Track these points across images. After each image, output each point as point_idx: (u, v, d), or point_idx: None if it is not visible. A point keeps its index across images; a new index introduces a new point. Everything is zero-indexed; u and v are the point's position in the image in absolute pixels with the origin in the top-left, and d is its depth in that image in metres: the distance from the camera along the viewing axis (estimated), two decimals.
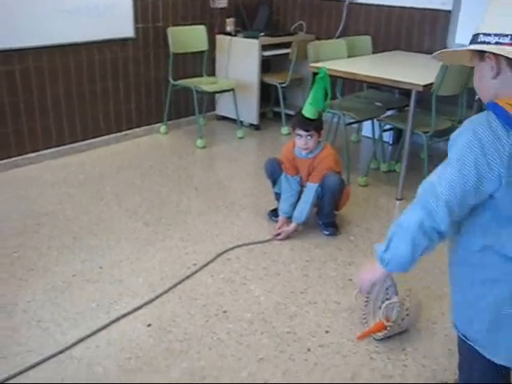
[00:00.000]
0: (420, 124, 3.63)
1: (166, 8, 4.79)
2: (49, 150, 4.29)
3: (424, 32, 4.73)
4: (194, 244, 3.09)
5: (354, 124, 4.34)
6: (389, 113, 4.30)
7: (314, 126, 3.07)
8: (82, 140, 4.52)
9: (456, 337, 1.50)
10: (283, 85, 5.08)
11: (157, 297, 2.59)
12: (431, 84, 3.43)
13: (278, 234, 3.17)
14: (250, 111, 5.19)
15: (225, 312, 2.50)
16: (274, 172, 3.30)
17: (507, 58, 1.24)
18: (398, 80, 3.54)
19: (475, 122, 1.27)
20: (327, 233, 3.24)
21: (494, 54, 1.25)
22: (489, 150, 1.23)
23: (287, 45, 5.06)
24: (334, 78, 3.86)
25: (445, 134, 3.72)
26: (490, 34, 1.26)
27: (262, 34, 5.10)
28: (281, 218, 3.24)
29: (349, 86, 4.84)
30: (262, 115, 5.40)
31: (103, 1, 4.27)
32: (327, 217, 3.24)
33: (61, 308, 2.49)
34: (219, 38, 5.21)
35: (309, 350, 2.28)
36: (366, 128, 4.91)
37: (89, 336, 2.31)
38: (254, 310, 2.52)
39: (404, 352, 2.28)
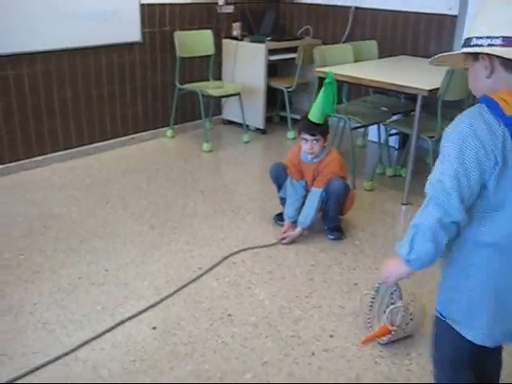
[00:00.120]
0: (426, 129, 3.63)
1: (172, 12, 4.82)
2: (56, 154, 4.32)
3: (430, 37, 4.73)
4: (199, 247, 3.10)
5: (359, 128, 4.35)
6: (395, 117, 4.30)
7: (320, 130, 3.07)
8: (89, 143, 4.54)
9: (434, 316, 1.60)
10: (289, 89, 5.09)
11: (162, 300, 2.60)
12: (437, 89, 3.43)
13: (284, 238, 3.18)
14: (256, 115, 5.21)
15: (229, 315, 2.51)
16: (279, 177, 3.30)
17: (500, 57, 1.32)
18: (403, 85, 3.54)
19: (469, 115, 1.34)
20: (332, 237, 3.24)
21: (487, 54, 1.33)
22: (485, 139, 1.30)
23: (293, 49, 5.07)
24: (340, 83, 3.86)
25: None
26: (482, 37, 1.34)
27: (269, 38, 5.12)
28: (286, 222, 3.24)
29: (355, 91, 4.85)
30: (268, 119, 5.41)
31: (111, 6, 4.30)
32: (332, 221, 3.25)
33: (66, 310, 2.50)
34: (226, 42, 5.24)
35: (313, 354, 2.28)
36: (372, 133, 4.91)
37: (94, 338, 2.32)
38: (259, 314, 2.53)
39: (408, 357, 2.28)
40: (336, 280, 2.83)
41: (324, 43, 5.25)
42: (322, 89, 3.04)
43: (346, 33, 5.24)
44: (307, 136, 3.09)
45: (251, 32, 5.33)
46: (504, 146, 1.30)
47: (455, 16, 4.52)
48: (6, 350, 2.23)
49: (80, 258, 2.95)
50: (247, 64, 5.11)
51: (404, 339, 2.36)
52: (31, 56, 3.97)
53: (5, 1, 3.72)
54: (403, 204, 3.73)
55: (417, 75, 3.92)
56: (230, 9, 5.24)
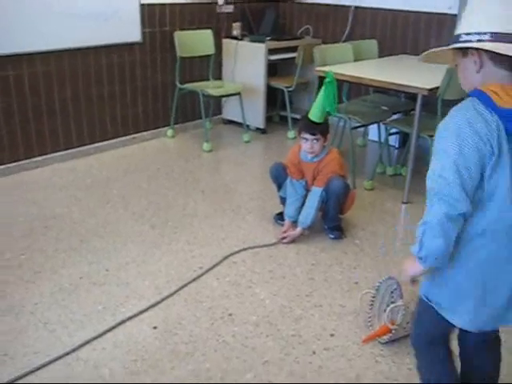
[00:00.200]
0: (426, 128, 3.64)
1: (172, 12, 4.83)
2: (56, 154, 4.33)
3: (430, 36, 4.74)
4: (200, 247, 3.11)
5: (360, 128, 4.35)
6: (395, 117, 4.31)
7: (320, 129, 3.08)
8: (90, 143, 4.55)
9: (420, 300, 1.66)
10: (289, 89, 5.10)
11: (163, 299, 2.61)
12: (437, 88, 3.43)
13: (284, 238, 3.18)
14: (256, 115, 5.21)
15: (230, 315, 2.51)
16: (279, 176, 3.31)
17: (488, 52, 1.36)
18: (403, 84, 3.54)
19: (462, 108, 1.39)
20: (332, 236, 3.25)
21: (476, 49, 1.38)
22: (480, 130, 1.33)
23: (293, 49, 5.07)
24: (340, 82, 3.86)
25: None
26: (471, 33, 1.38)
27: (269, 38, 5.12)
28: (287, 222, 3.25)
29: (355, 90, 4.85)
30: (269, 119, 5.42)
31: (111, 6, 4.31)
32: (332, 221, 3.25)
33: (67, 310, 2.51)
34: (226, 42, 5.24)
35: (314, 352, 2.28)
36: (372, 132, 4.92)
37: (95, 338, 2.33)
38: (260, 313, 2.53)
39: (409, 356, 2.28)
40: (336, 279, 2.83)
41: (324, 42, 5.25)
42: (322, 88, 3.04)
43: (346, 32, 5.24)
44: (307, 135, 3.10)
45: (251, 32, 5.34)
46: (499, 137, 1.33)
47: (455, 15, 4.52)
48: (7, 349, 2.24)
49: (81, 258, 2.95)
50: (247, 64, 5.11)
51: (404, 338, 2.35)
52: (31, 56, 3.98)
53: (5, 1, 3.73)
54: (403, 203, 3.73)
55: (417, 74, 3.92)
56: (229, 8, 5.24)
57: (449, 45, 1.46)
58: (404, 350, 2.31)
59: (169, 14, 4.80)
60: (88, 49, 4.31)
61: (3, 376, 2.10)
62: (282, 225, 3.28)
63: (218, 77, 5.32)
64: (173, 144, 4.97)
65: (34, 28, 3.91)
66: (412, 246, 1.48)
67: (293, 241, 3.19)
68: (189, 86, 4.89)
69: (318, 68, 3.98)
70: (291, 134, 5.15)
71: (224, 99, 5.41)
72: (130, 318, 2.47)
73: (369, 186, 3.98)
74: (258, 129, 5.31)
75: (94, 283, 2.73)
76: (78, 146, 4.47)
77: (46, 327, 2.39)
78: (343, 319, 2.50)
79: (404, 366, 2.22)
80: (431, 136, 3.63)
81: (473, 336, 1.68)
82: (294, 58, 5.07)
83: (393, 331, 2.28)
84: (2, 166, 4.02)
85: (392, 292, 2.32)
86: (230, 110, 5.43)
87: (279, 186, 3.35)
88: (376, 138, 4.70)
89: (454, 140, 1.35)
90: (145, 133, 4.96)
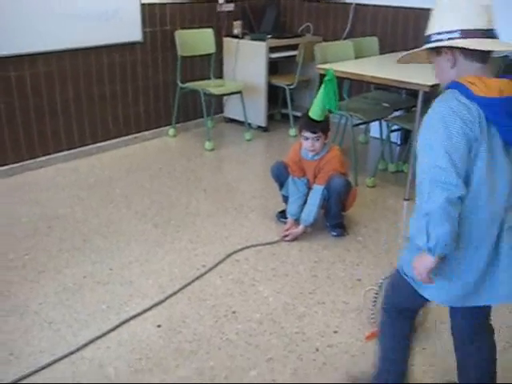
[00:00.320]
0: None
1: (173, 12, 4.83)
2: (59, 154, 4.34)
3: None
4: (202, 245, 3.12)
5: (361, 125, 4.35)
6: (396, 113, 4.31)
7: (320, 127, 3.08)
8: (92, 143, 4.56)
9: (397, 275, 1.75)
10: (291, 86, 5.10)
11: (166, 298, 2.62)
12: (438, 84, 3.43)
13: (286, 236, 3.19)
14: (257, 113, 5.22)
15: (234, 313, 2.52)
16: (281, 175, 3.31)
17: (460, 48, 1.46)
18: (405, 81, 3.54)
19: (444, 100, 1.46)
20: (335, 234, 3.25)
21: (448, 47, 1.48)
22: (464, 116, 1.41)
23: (294, 47, 5.08)
24: (341, 80, 3.87)
25: None
26: (441, 33, 1.48)
27: (269, 36, 5.12)
28: (289, 220, 3.25)
29: (356, 87, 4.85)
30: (270, 117, 5.42)
31: (112, 6, 4.31)
32: (334, 218, 3.26)
33: (72, 309, 2.52)
34: (226, 40, 5.24)
35: (317, 349, 2.29)
36: (374, 129, 4.92)
37: (99, 337, 2.34)
38: (263, 311, 2.54)
39: (413, 351, 2.28)
40: (339, 276, 2.84)
41: (325, 40, 5.25)
42: (322, 86, 3.05)
43: (347, 29, 5.25)
44: (308, 134, 3.10)
45: (252, 30, 5.34)
46: (480, 123, 1.42)
47: None
48: (12, 349, 2.25)
49: (84, 258, 2.96)
50: (248, 62, 5.12)
51: None
52: (33, 57, 3.99)
53: (6, 2, 3.74)
54: (405, 200, 3.73)
55: (418, 71, 3.91)
56: (230, 7, 5.24)
57: (425, 44, 1.54)
58: None
59: (169, 13, 4.81)
60: (89, 49, 4.32)
61: (9, 375, 2.11)
62: (285, 223, 3.29)
63: (219, 75, 5.32)
64: (175, 143, 4.98)
65: (35, 29, 3.91)
66: (417, 240, 1.50)
67: (295, 239, 3.19)
68: (190, 85, 4.90)
69: (318, 66, 3.99)
70: (293, 131, 5.15)
71: (225, 98, 5.42)
72: (134, 316, 2.48)
73: (371, 183, 3.98)
74: (259, 127, 5.31)
75: (98, 282, 2.74)
76: (81, 146, 4.49)
77: (50, 327, 2.40)
78: (346, 316, 2.51)
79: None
80: None
81: (465, 324, 1.77)
82: (294, 55, 5.07)
83: None
84: (6, 167, 4.04)
85: None
86: (232, 109, 5.44)
87: (281, 185, 3.36)
88: (378, 135, 4.70)
89: (442, 129, 1.41)
90: (146, 132, 4.97)
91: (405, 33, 4.91)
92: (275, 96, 5.47)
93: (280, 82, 5.18)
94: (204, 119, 4.92)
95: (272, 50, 5.05)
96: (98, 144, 4.61)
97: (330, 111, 3.15)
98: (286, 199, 3.36)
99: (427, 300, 1.68)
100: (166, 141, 5.01)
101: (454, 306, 1.67)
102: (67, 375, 2.13)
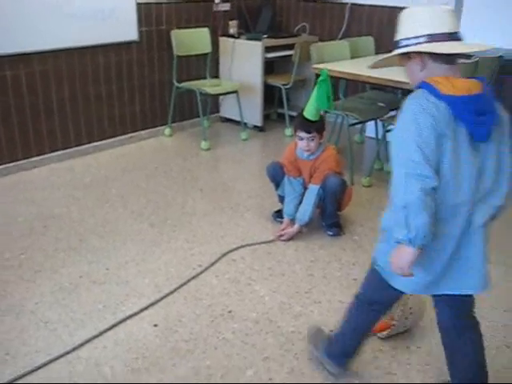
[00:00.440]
0: None
1: (169, 11, 4.83)
2: (54, 153, 4.33)
3: None
4: (199, 245, 3.12)
5: (357, 125, 4.36)
6: (392, 113, 4.31)
7: (315, 127, 3.08)
8: (88, 143, 4.56)
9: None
10: (287, 86, 5.11)
11: (163, 297, 2.62)
12: None
13: (282, 236, 3.20)
14: (253, 113, 5.22)
15: (230, 312, 2.53)
16: (276, 175, 3.32)
17: (427, 52, 1.56)
18: (400, 80, 3.54)
19: (414, 99, 1.55)
20: (331, 233, 3.26)
21: (416, 52, 1.59)
22: (433, 113, 1.50)
23: (290, 46, 5.08)
24: (337, 79, 3.88)
25: None
26: (409, 38, 1.60)
27: (265, 35, 5.12)
28: (285, 219, 3.26)
29: (352, 87, 4.86)
30: (266, 117, 5.43)
31: (108, 5, 4.31)
32: (330, 217, 3.26)
33: (68, 309, 2.52)
34: (222, 40, 5.25)
35: None
36: (370, 129, 4.93)
37: (96, 336, 2.34)
38: (259, 310, 2.54)
39: (408, 350, 2.30)
40: (335, 275, 2.84)
41: (321, 40, 5.26)
42: (316, 86, 3.05)
43: (343, 29, 5.26)
44: (303, 134, 3.10)
45: (248, 30, 5.34)
46: (447, 119, 1.51)
47: None
48: (8, 349, 2.25)
49: (80, 257, 2.96)
50: (244, 62, 5.12)
51: (403, 333, 2.38)
52: (28, 56, 3.98)
53: (1, 1, 3.73)
54: None
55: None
56: (226, 7, 5.25)
57: (395, 49, 1.65)
58: (403, 345, 2.32)
59: (165, 12, 4.80)
60: (85, 48, 4.31)
61: (5, 375, 2.11)
62: (281, 222, 3.29)
63: (215, 75, 5.32)
64: (171, 143, 4.97)
65: (30, 28, 3.91)
66: (396, 233, 1.54)
67: (291, 238, 3.20)
68: (186, 84, 4.90)
69: (314, 65, 3.99)
70: (289, 131, 5.16)
71: (221, 97, 5.42)
72: (131, 316, 2.48)
73: (366, 183, 3.99)
74: (255, 127, 5.32)
75: (94, 282, 2.74)
76: (76, 146, 4.48)
77: (46, 326, 2.40)
78: (342, 315, 2.51)
79: (404, 361, 2.24)
80: None
81: (449, 317, 1.83)
82: (290, 55, 5.07)
83: (392, 327, 2.29)
84: (1, 166, 4.03)
85: None
86: (228, 108, 5.44)
87: (277, 185, 3.36)
88: (373, 135, 4.71)
89: (413, 126, 1.50)
90: (142, 132, 4.97)
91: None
92: (271, 96, 5.48)
93: (276, 81, 5.19)
94: (200, 119, 4.92)
95: (268, 49, 5.05)
96: (94, 143, 4.60)
97: (326, 111, 3.16)
98: (281, 199, 3.36)
99: (398, 293, 1.77)
100: (162, 140, 5.01)
101: (422, 294, 1.76)
102: (63, 375, 2.13)
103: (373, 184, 4.01)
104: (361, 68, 3.93)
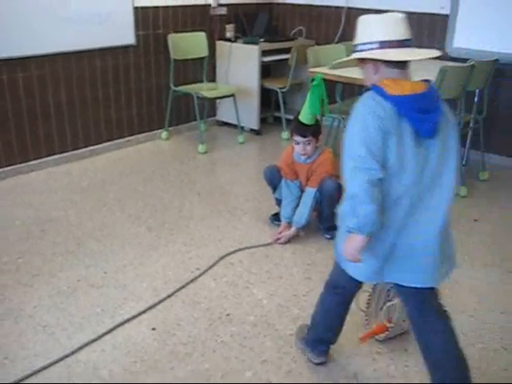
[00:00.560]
0: None
1: (166, 15, 4.84)
2: (51, 157, 4.33)
3: (423, 36, 4.77)
4: (196, 248, 3.12)
5: None
6: None
7: (311, 131, 3.09)
8: (85, 146, 4.56)
9: None
10: (283, 90, 5.12)
11: (161, 301, 2.62)
12: None
13: (279, 239, 3.20)
14: (250, 116, 5.23)
15: (228, 315, 2.53)
16: (273, 178, 3.33)
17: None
18: None
19: (363, 100, 1.69)
20: (328, 236, 3.27)
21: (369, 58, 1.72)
22: (379, 112, 1.63)
23: (287, 50, 5.10)
24: (334, 83, 3.90)
25: None
26: (365, 43, 1.73)
27: (262, 39, 5.15)
28: (283, 223, 3.27)
29: (348, 90, 4.87)
30: (263, 120, 5.44)
31: (105, 9, 4.32)
32: (327, 221, 3.27)
33: (66, 313, 2.52)
34: (219, 44, 5.26)
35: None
36: None
37: (94, 340, 2.34)
38: (257, 313, 2.55)
39: (406, 353, 2.31)
40: None
41: (317, 44, 5.28)
42: (309, 91, 3.06)
43: (339, 33, 5.28)
44: (298, 138, 3.11)
45: (244, 33, 5.36)
46: (392, 118, 1.63)
47: (447, 15, 4.56)
48: (7, 353, 2.25)
49: (78, 261, 2.96)
50: (241, 65, 5.14)
51: (401, 335, 2.38)
52: (26, 60, 3.98)
53: None
54: None
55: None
56: (222, 10, 5.26)
57: (353, 52, 1.80)
58: (401, 348, 2.33)
59: (162, 16, 4.82)
60: (82, 52, 4.31)
61: (3, 379, 2.11)
62: (278, 225, 3.30)
63: (212, 79, 5.34)
64: (167, 146, 4.98)
65: (27, 32, 3.91)
66: (347, 223, 1.67)
67: (288, 241, 3.21)
68: (183, 88, 4.91)
69: (311, 69, 4.01)
70: (285, 134, 5.17)
71: (218, 101, 5.43)
72: (129, 319, 2.48)
73: None
74: (252, 130, 5.33)
75: (92, 286, 2.74)
76: (73, 150, 4.48)
77: (45, 330, 2.40)
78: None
79: (401, 363, 2.25)
80: None
81: (414, 308, 1.91)
82: (287, 59, 5.10)
83: (389, 329, 2.30)
84: None
85: (388, 290, 2.34)
86: (225, 112, 5.45)
87: (274, 188, 3.37)
88: None
89: (361, 125, 1.64)
90: (139, 135, 4.97)
91: None
92: (268, 99, 5.49)
93: (272, 85, 5.20)
94: (197, 122, 4.93)
95: (264, 53, 5.07)
96: (91, 147, 4.60)
97: (322, 114, 3.17)
98: (279, 202, 3.37)
99: (356, 280, 1.89)
100: (159, 144, 5.02)
101: (371, 281, 1.91)
102: (62, 378, 2.13)
103: None
104: (357, 71, 3.94)
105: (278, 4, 5.73)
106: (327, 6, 5.32)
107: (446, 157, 1.72)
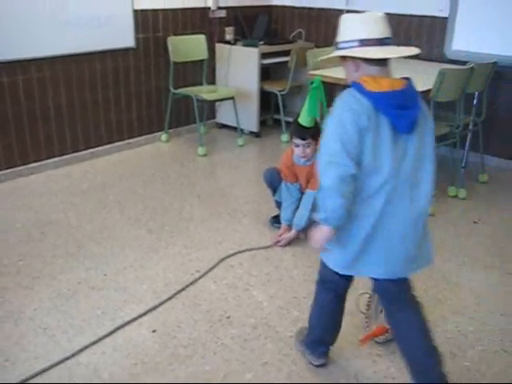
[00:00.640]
0: None
1: (165, 18, 4.85)
2: (51, 160, 4.34)
3: (422, 38, 4.78)
4: (196, 251, 3.13)
5: None
6: None
7: (310, 134, 3.09)
8: (85, 149, 4.56)
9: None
10: (283, 92, 5.13)
11: (161, 303, 2.63)
12: (429, 90, 3.47)
13: (279, 242, 3.21)
14: (250, 119, 5.24)
15: (228, 317, 2.54)
16: (273, 181, 3.33)
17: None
18: None
19: (342, 97, 1.74)
20: None
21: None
22: (356, 108, 1.68)
23: (286, 53, 5.11)
24: (333, 85, 3.90)
25: (443, 139, 3.77)
26: (346, 41, 1.77)
27: (262, 42, 5.16)
28: (283, 225, 3.27)
29: None
30: (262, 123, 5.45)
31: (104, 12, 4.32)
32: None
33: (67, 315, 2.52)
34: (219, 46, 5.27)
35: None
36: None
37: (95, 342, 2.34)
38: (258, 315, 2.55)
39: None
40: None
41: (316, 46, 5.29)
42: (308, 94, 3.06)
43: None
44: (298, 140, 3.11)
45: (244, 36, 5.37)
46: (369, 113, 1.68)
47: (446, 18, 4.57)
48: (7, 355, 2.25)
49: (79, 264, 2.96)
50: (240, 68, 5.15)
51: None
52: (26, 63, 3.99)
53: None
54: None
55: (409, 76, 3.96)
56: (222, 13, 5.27)
57: (335, 50, 1.83)
58: None
59: (162, 19, 4.83)
60: (82, 55, 4.32)
61: (4, 381, 2.11)
62: (278, 228, 3.31)
63: (212, 81, 5.35)
64: (167, 149, 4.99)
65: (28, 35, 3.92)
66: (317, 214, 1.73)
67: (288, 243, 3.21)
68: (182, 90, 4.92)
69: (310, 72, 4.01)
70: (285, 137, 5.18)
71: (218, 103, 5.44)
72: (129, 322, 2.48)
73: None
74: (251, 132, 5.34)
75: (93, 288, 2.74)
76: (73, 152, 4.48)
77: (45, 332, 2.40)
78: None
79: (402, 365, 2.23)
80: None
81: (386, 299, 2.02)
82: (286, 61, 5.11)
83: (389, 331, 2.30)
84: None
85: None
86: (224, 115, 5.46)
87: (274, 191, 3.38)
88: None
89: (338, 121, 1.69)
90: (139, 138, 4.98)
91: (396, 39, 4.89)
92: (267, 102, 5.50)
93: (272, 87, 5.21)
94: (196, 125, 4.94)
95: (264, 56, 5.08)
96: (91, 150, 4.61)
97: (322, 117, 3.17)
98: (279, 205, 3.38)
99: (342, 276, 1.93)
100: (159, 146, 5.02)
101: (346, 273, 1.91)
102: (63, 381, 2.13)
103: None
104: None
105: (278, 7, 5.74)
106: (326, 9, 5.34)
107: (423, 153, 1.78)
